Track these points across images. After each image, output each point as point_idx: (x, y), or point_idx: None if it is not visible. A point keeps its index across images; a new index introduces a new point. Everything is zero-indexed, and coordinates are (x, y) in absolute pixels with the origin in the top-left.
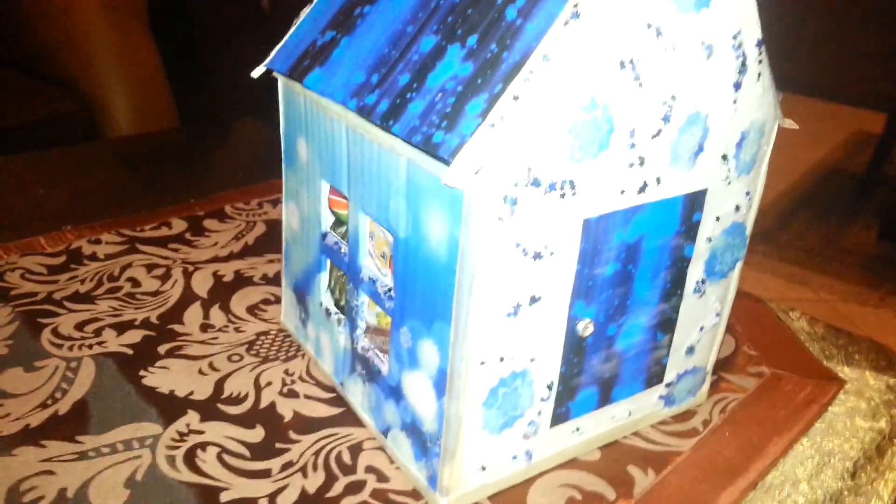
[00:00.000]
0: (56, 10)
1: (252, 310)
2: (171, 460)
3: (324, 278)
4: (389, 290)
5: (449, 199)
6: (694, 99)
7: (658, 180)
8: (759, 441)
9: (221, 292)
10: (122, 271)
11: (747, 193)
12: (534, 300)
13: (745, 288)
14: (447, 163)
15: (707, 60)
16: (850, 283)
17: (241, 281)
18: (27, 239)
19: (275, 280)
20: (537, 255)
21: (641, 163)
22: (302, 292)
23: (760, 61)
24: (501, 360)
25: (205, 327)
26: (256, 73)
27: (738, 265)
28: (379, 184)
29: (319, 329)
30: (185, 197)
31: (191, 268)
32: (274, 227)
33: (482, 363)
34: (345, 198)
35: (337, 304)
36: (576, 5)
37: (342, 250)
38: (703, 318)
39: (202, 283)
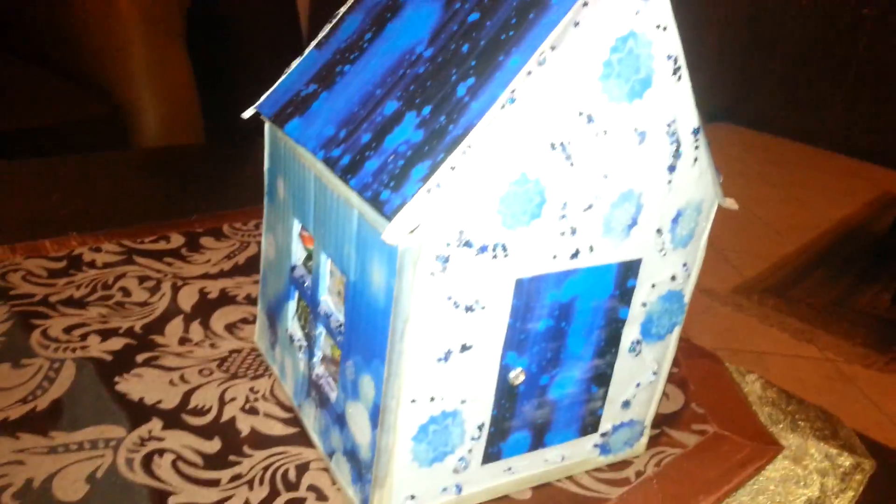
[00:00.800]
0: (98, 18)
1: (230, 328)
2: (130, 462)
3: (292, 307)
4: (341, 325)
5: (388, 252)
6: (627, 178)
7: (591, 248)
8: (685, 496)
9: (204, 308)
10: (115, 280)
11: (684, 265)
12: (465, 348)
13: (751, 339)
14: (388, 219)
15: (640, 145)
16: (857, 345)
17: (225, 299)
18: (34, 242)
19: (256, 301)
20: (469, 308)
21: (573, 232)
22: (273, 317)
23: (697, 147)
24: (432, 399)
25: (183, 341)
26: (247, 114)
27: (677, 329)
28: (336, 229)
29: (284, 353)
30: (191, 212)
31: (180, 282)
32: None
33: (413, 401)
34: None
35: (302, 331)
36: (513, 91)
37: (306, 284)
38: (640, 376)
39: (188, 298)
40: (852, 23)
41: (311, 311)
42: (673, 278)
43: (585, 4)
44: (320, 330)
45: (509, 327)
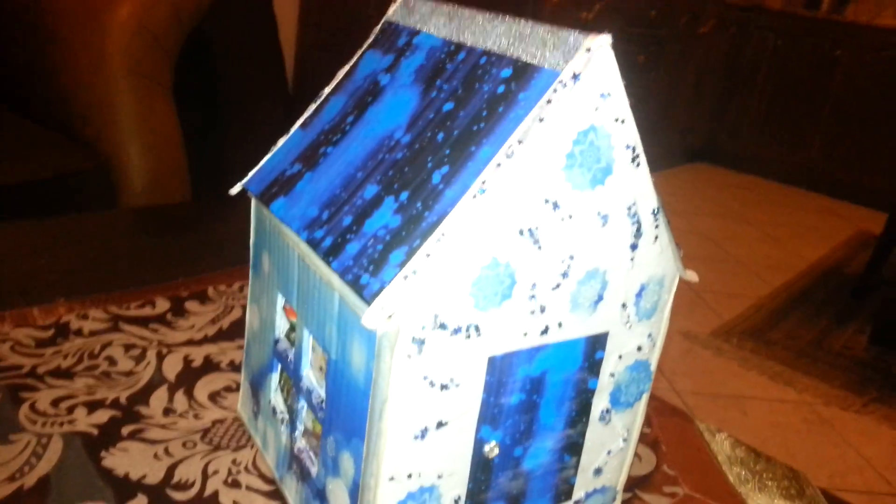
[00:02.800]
0: (85, 71)
1: (214, 396)
2: None
3: (275, 378)
4: (322, 401)
5: (367, 335)
6: (592, 257)
7: (560, 324)
8: None
9: (188, 377)
10: (102, 349)
11: (649, 335)
12: (441, 425)
13: (730, 382)
14: (367, 303)
15: (603, 227)
16: (835, 387)
17: (209, 366)
18: (23, 309)
19: (239, 367)
20: (444, 387)
21: (542, 310)
22: (256, 387)
23: (657, 226)
24: (409, 476)
25: (167, 411)
26: (234, 191)
27: (645, 396)
28: (319, 309)
29: (267, 424)
30: (177, 273)
31: (165, 350)
32: None
33: (391, 479)
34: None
35: (285, 403)
36: (483, 182)
37: (289, 358)
38: (610, 443)
39: (172, 367)
40: (826, 64)
41: (293, 384)
42: (639, 349)
43: (549, 102)
44: (302, 404)
45: (483, 403)
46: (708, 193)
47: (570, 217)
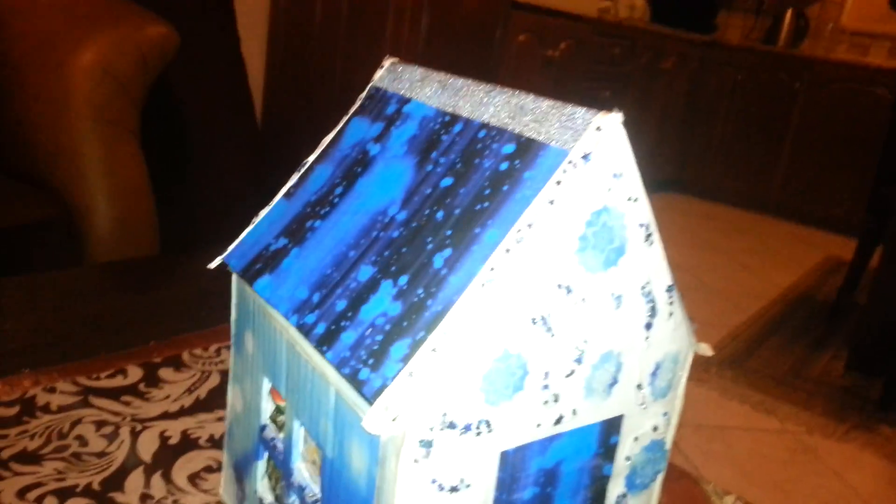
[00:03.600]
0: (49, 118)
1: (193, 479)
2: None
3: (261, 466)
4: (317, 500)
5: (368, 437)
6: (606, 340)
7: (574, 412)
8: None
9: (165, 457)
10: (71, 427)
11: (664, 414)
12: None
13: (712, 413)
14: (369, 402)
15: (617, 309)
16: (816, 414)
17: (187, 443)
18: None
19: (220, 443)
20: (454, 489)
21: (556, 399)
22: (241, 473)
23: (671, 303)
24: None
25: (144, 497)
26: (213, 265)
27: (660, 476)
28: (311, 401)
29: None
30: (148, 336)
31: (139, 426)
32: (227, 378)
33: None
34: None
35: (273, 492)
36: (492, 269)
37: (277, 448)
38: None
39: (148, 445)
40: (786, 96)
41: (282, 476)
42: (655, 429)
43: (559, 183)
44: (293, 500)
45: (495, 501)
46: (678, 223)
47: (584, 300)
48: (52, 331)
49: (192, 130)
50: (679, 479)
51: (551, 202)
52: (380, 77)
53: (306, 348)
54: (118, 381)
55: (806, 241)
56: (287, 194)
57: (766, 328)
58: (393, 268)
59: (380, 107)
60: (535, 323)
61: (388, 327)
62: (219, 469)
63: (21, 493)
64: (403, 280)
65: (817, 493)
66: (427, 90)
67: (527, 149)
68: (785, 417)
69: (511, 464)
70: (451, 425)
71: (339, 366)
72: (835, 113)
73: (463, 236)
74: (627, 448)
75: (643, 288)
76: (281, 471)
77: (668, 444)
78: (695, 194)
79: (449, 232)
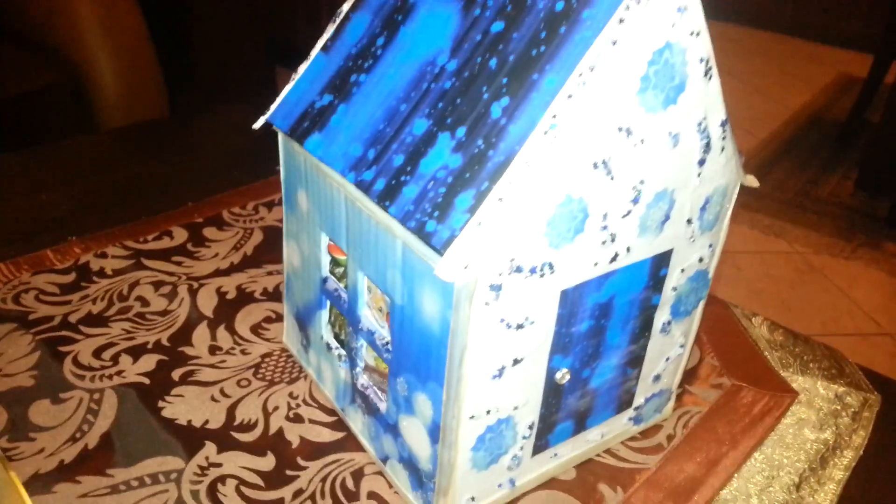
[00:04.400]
0: None
1: (256, 329)
2: (196, 495)
3: (324, 315)
4: (387, 343)
5: (440, 284)
6: (661, 179)
7: (628, 249)
8: (716, 456)
9: (226, 311)
10: (130, 289)
11: (710, 246)
12: (516, 362)
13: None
14: (439, 253)
15: (674, 148)
16: (824, 235)
17: (244, 297)
18: (36, 253)
19: (275, 295)
20: (520, 326)
21: (613, 239)
22: (303, 322)
23: (724, 137)
24: (488, 412)
25: (213, 349)
26: (258, 125)
27: (702, 303)
28: (376, 253)
29: (321, 358)
30: (183, 197)
31: (195, 284)
32: (270, 233)
33: (471, 417)
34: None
35: (337, 338)
36: (554, 116)
37: (342, 297)
38: (669, 351)
39: (207, 302)
40: None
41: (349, 323)
42: (700, 260)
43: (622, 21)
44: (361, 343)
45: (555, 334)
46: None
47: (642, 142)
48: (86, 199)
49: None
50: (710, 304)
51: (614, 42)
52: None
53: (367, 204)
54: (166, 243)
55: (818, 58)
56: (324, 48)
57: (777, 151)
58: (448, 120)
59: None
60: (596, 167)
61: (450, 180)
62: (277, 319)
63: (97, 353)
64: (461, 132)
65: (824, 311)
66: None
67: None
68: (793, 239)
69: (570, 300)
70: (518, 269)
71: (403, 220)
72: None
73: (520, 84)
74: (675, 279)
75: (699, 125)
76: (346, 318)
77: (711, 274)
78: (708, 16)
79: (505, 80)
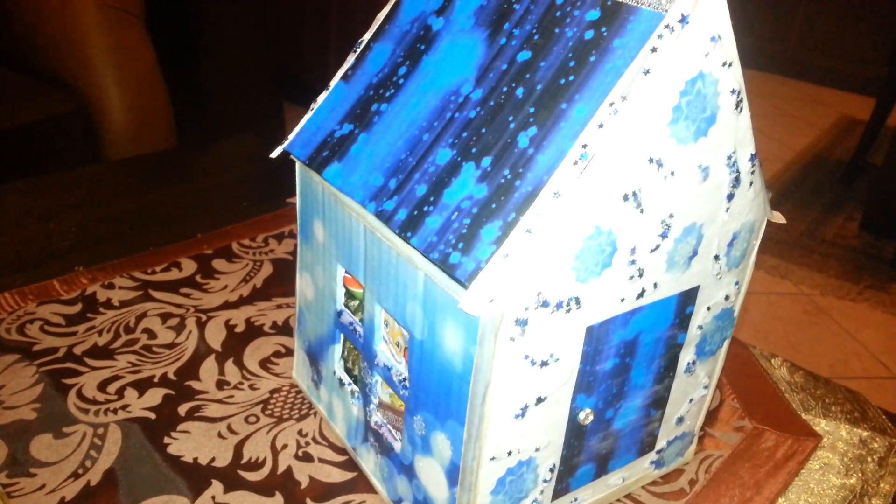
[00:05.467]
0: (52, 7)
1: (264, 364)
2: None
3: (337, 350)
4: (404, 379)
5: (465, 318)
6: (690, 213)
7: (655, 285)
8: (740, 503)
9: (234, 344)
10: (137, 321)
11: (736, 283)
12: (539, 400)
13: None
14: (464, 286)
15: (703, 181)
16: (830, 276)
17: (253, 331)
18: (42, 283)
19: (284, 329)
20: (544, 363)
21: (640, 274)
22: (315, 356)
23: (753, 172)
24: (509, 454)
25: (220, 384)
26: (275, 154)
27: (727, 343)
28: (396, 286)
29: (332, 394)
30: (192, 228)
31: (203, 317)
32: (280, 266)
33: (492, 458)
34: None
35: (349, 373)
36: (584, 146)
37: (357, 331)
38: (693, 392)
39: (215, 335)
40: None
41: (363, 358)
42: (726, 298)
43: (654, 50)
44: (376, 378)
45: (579, 372)
46: None
47: (672, 174)
48: (94, 229)
49: (199, 12)
50: (730, 344)
51: (646, 72)
52: None
53: (388, 235)
54: (174, 274)
55: (820, 100)
56: (345, 77)
57: (781, 193)
58: (473, 149)
59: None
60: (626, 199)
61: (475, 210)
62: (287, 354)
63: (102, 387)
64: (487, 161)
65: (832, 353)
66: None
67: (614, 14)
68: (799, 280)
69: (596, 337)
70: (545, 303)
71: (426, 251)
72: None
73: (548, 113)
74: (701, 317)
75: (729, 158)
76: (361, 353)
77: (737, 312)
78: None
79: (532, 109)
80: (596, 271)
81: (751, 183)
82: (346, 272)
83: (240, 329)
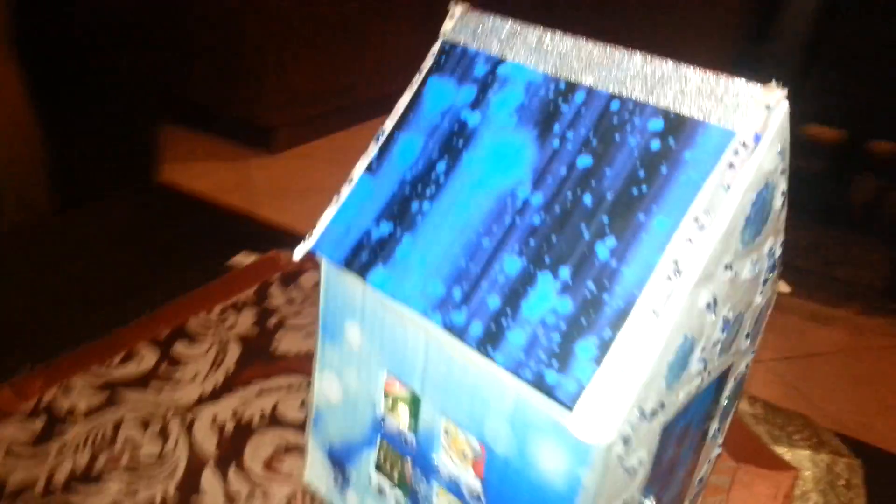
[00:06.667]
0: None
1: (269, 464)
2: None
3: (373, 455)
4: (479, 494)
5: (570, 440)
6: (740, 305)
7: (710, 373)
8: None
9: (230, 446)
10: (115, 431)
11: (753, 352)
12: (624, 503)
13: None
14: (567, 407)
15: (752, 274)
16: None
17: (244, 428)
18: None
19: (276, 419)
20: (633, 470)
21: (705, 367)
22: (340, 460)
23: (780, 255)
24: None
25: (229, 496)
26: (298, 255)
27: (738, 404)
28: (472, 400)
29: (366, 499)
30: (137, 308)
31: (187, 417)
32: (248, 344)
33: None
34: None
35: (393, 481)
36: (675, 261)
37: (406, 440)
38: (711, 453)
39: (206, 438)
40: None
41: (415, 464)
42: (746, 366)
43: (731, 166)
44: (435, 488)
45: (651, 471)
46: None
47: (736, 275)
48: (27, 317)
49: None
50: None
51: (727, 188)
52: (452, 28)
53: (462, 350)
54: (135, 367)
55: None
56: (370, 168)
57: None
58: (546, 259)
59: (464, 67)
60: (709, 308)
61: (563, 326)
62: (289, 449)
63: None
64: (565, 273)
65: None
66: (523, 49)
67: (679, 126)
68: None
69: (666, 434)
70: (643, 415)
71: (515, 369)
72: None
73: (625, 224)
74: (728, 389)
75: (770, 249)
76: (413, 461)
77: (748, 373)
78: None
79: (606, 219)
80: (679, 375)
81: (777, 265)
82: (398, 380)
83: (230, 427)
